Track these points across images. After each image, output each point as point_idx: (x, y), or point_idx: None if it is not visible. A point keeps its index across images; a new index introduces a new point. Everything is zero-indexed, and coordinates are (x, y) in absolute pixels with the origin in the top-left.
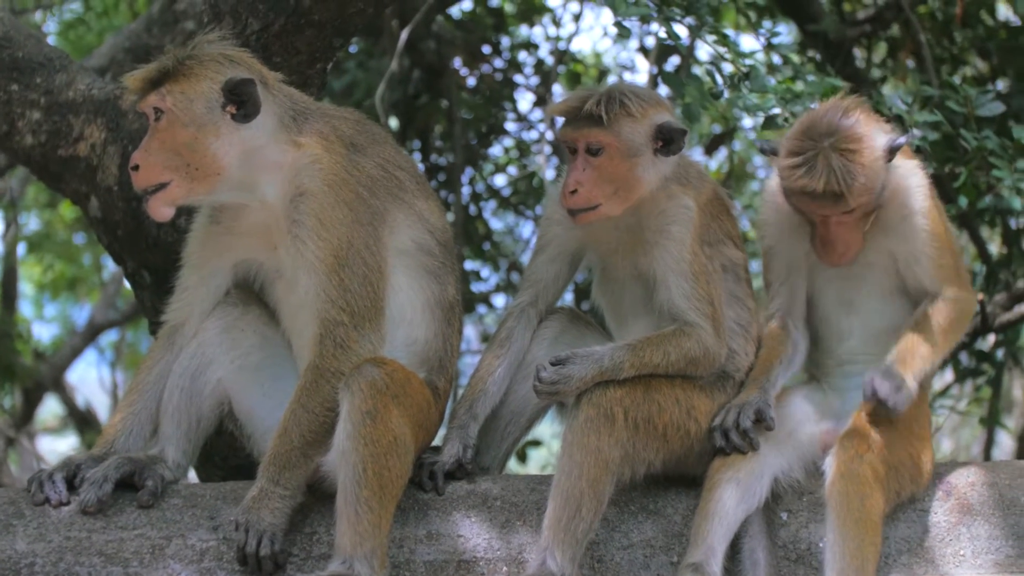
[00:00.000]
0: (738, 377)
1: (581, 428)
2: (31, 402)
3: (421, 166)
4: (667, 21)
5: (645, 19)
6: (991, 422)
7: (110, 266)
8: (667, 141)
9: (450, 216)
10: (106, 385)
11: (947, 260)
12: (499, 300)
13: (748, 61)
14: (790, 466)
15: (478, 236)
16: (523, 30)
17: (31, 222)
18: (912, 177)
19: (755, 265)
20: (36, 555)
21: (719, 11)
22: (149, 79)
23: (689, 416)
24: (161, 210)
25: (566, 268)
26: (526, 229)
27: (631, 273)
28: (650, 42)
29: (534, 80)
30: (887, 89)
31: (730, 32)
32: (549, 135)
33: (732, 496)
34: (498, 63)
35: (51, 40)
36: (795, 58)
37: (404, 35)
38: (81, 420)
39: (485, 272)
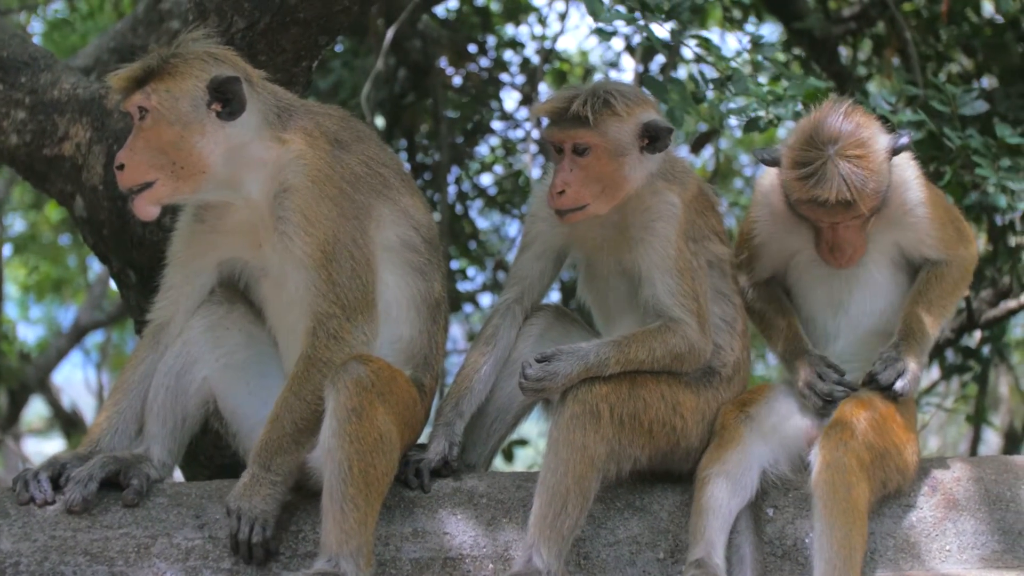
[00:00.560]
0: (724, 373)
1: (567, 425)
2: (17, 403)
3: (407, 165)
4: (647, 27)
5: (629, 21)
6: (977, 419)
7: (96, 267)
8: (653, 139)
9: (436, 215)
10: (92, 386)
11: (948, 231)
12: (485, 299)
13: (732, 63)
14: (776, 459)
15: (464, 235)
16: (509, 29)
17: (16, 223)
18: (907, 170)
19: None
20: (21, 554)
21: (704, 10)
22: (134, 78)
23: (675, 412)
24: (147, 209)
25: (551, 265)
26: (512, 228)
27: (616, 270)
28: (637, 39)
29: (520, 79)
30: (873, 87)
31: (716, 31)
32: (535, 134)
33: (724, 490)
34: (484, 62)
35: (36, 41)
36: (781, 56)
37: (390, 34)
38: (67, 421)
39: (471, 271)
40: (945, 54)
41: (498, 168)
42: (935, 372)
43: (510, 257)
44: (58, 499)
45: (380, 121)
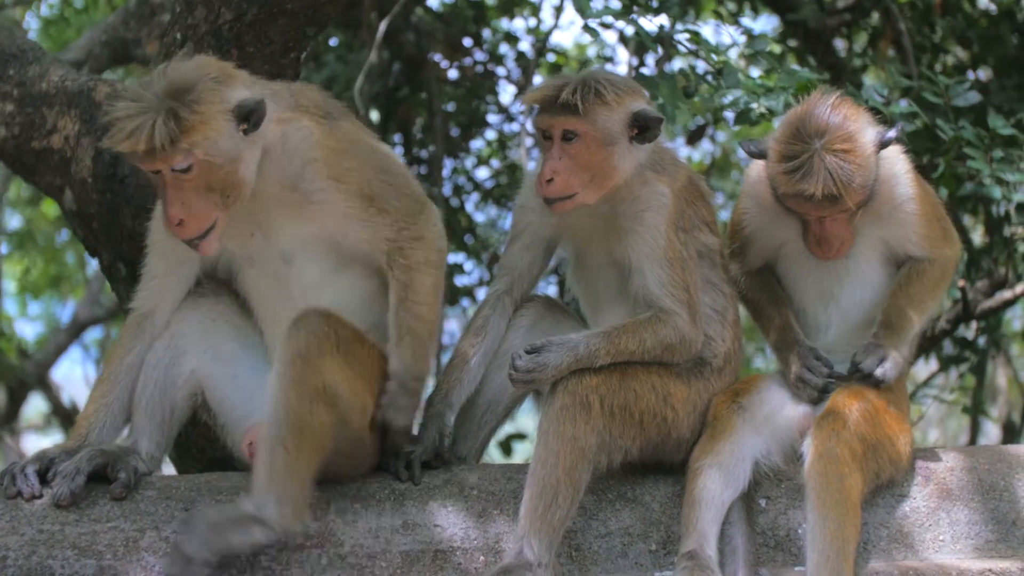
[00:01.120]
0: (715, 363)
1: (557, 416)
2: (16, 400)
3: (403, 159)
4: (635, 22)
5: (618, 16)
6: (975, 411)
7: (94, 263)
8: (642, 129)
9: None
10: (91, 382)
11: (935, 229)
12: (482, 293)
13: (724, 56)
14: (769, 450)
15: (460, 229)
16: (503, 22)
17: (14, 219)
18: (897, 164)
19: None
20: (8, 549)
21: (699, 2)
22: (163, 142)
23: (666, 403)
24: (215, 246)
25: (541, 256)
26: (508, 222)
27: (606, 260)
28: (631, 31)
29: (516, 73)
30: (868, 78)
31: (710, 23)
32: (530, 127)
33: (716, 481)
34: (479, 55)
35: (31, 36)
36: (776, 48)
37: (382, 27)
38: (66, 418)
39: (468, 266)
40: (940, 45)
41: (494, 162)
42: (933, 364)
43: None
44: (46, 493)
45: (375, 115)
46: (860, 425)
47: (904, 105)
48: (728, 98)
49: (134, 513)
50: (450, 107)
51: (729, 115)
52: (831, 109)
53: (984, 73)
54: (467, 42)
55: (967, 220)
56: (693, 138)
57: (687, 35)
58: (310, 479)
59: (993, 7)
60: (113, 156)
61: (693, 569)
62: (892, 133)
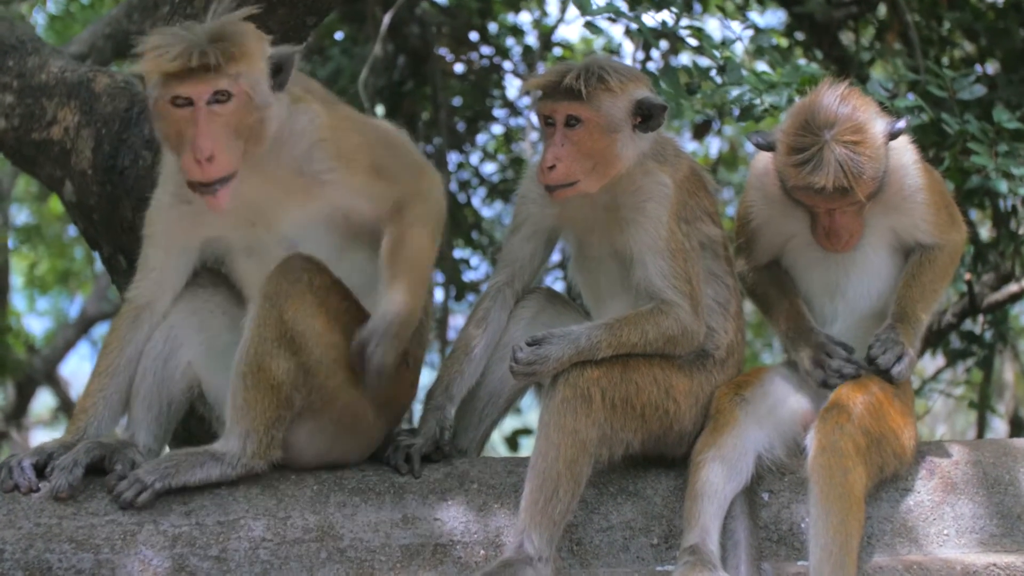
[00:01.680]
0: (717, 355)
1: (558, 409)
2: (24, 395)
3: None
4: (638, 19)
5: (616, 14)
6: (982, 405)
7: None
8: (646, 117)
9: None
10: None
11: (943, 216)
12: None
13: (728, 51)
14: (772, 443)
15: (467, 224)
16: (509, 16)
17: (22, 214)
18: (905, 154)
19: None
20: (5, 542)
21: None
22: (216, 59)
23: (667, 395)
24: (226, 201)
25: (542, 247)
26: None
27: (608, 251)
28: (634, 26)
29: (522, 67)
30: (875, 72)
31: (718, 17)
32: (535, 120)
33: (719, 474)
34: (485, 49)
35: (38, 32)
36: (782, 41)
37: (386, 20)
38: (74, 414)
39: (475, 260)
40: (947, 38)
41: (500, 156)
42: (940, 359)
43: None
44: (43, 487)
45: (380, 109)
46: (864, 418)
47: (911, 99)
48: (732, 94)
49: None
50: (456, 101)
51: (734, 110)
52: (840, 100)
53: (992, 66)
54: (473, 36)
55: (974, 214)
56: (699, 132)
57: (690, 31)
58: (274, 418)
59: (1000, 0)
60: (113, 146)
61: (695, 563)
62: (902, 124)
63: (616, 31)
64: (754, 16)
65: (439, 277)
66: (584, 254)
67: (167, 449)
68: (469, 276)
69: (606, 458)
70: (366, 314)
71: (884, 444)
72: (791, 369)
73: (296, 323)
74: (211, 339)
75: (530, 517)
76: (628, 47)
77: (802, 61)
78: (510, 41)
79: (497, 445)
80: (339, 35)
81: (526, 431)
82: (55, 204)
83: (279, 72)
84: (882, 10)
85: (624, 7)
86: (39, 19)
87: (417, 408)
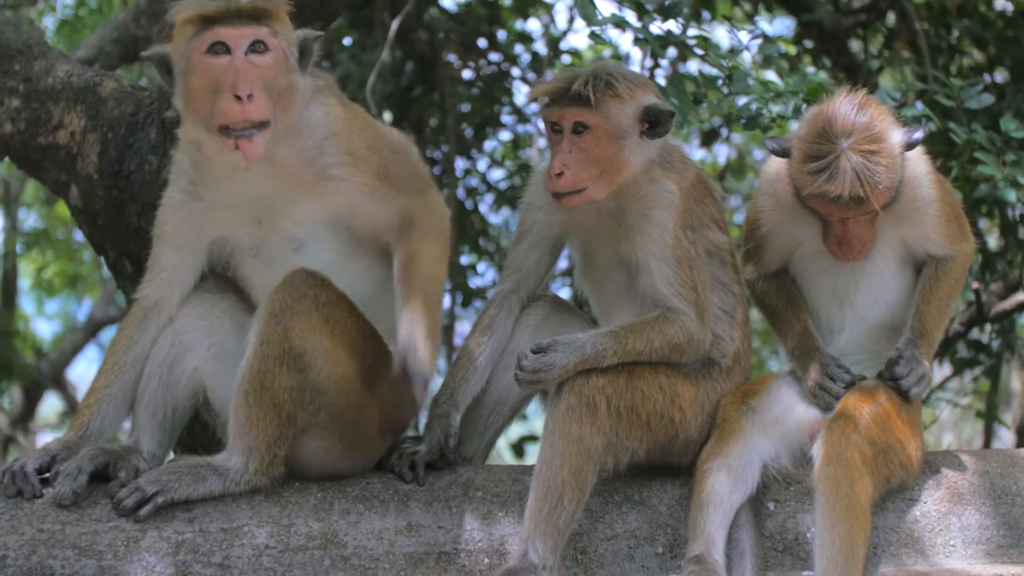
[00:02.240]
0: (723, 363)
1: (563, 417)
2: (32, 399)
3: None
4: (644, 30)
5: (624, 25)
6: (989, 415)
7: None
8: (653, 123)
9: None
10: None
11: (953, 227)
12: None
13: (730, 62)
14: (778, 453)
15: (474, 230)
16: (518, 23)
17: (31, 218)
18: (919, 166)
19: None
20: (8, 548)
21: (713, 3)
22: (249, 11)
23: (673, 404)
24: (260, 149)
25: (548, 254)
26: None
27: (613, 259)
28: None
29: (530, 74)
30: (884, 79)
31: (726, 25)
32: (543, 127)
33: (725, 483)
34: (493, 56)
35: (47, 38)
36: (791, 49)
37: (394, 26)
38: None
39: (481, 267)
40: (956, 47)
41: (508, 163)
42: (947, 368)
43: None
44: (47, 492)
45: (388, 115)
46: (871, 429)
47: (919, 107)
48: (739, 102)
49: None
50: (464, 108)
51: (741, 119)
52: (858, 109)
53: (1000, 75)
54: (481, 42)
55: (982, 223)
56: (707, 140)
57: (696, 41)
58: (276, 436)
59: (1010, 8)
60: (119, 151)
61: (700, 573)
62: (919, 134)
63: (625, 40)
64: (763, 24)
65: (445, 283)
66: (590, 261)
67: (171, 455)
68: (476, 282)
69: (611, 466)
70: (372, 328)
71: (891, 455)
72: (797, 378)
73: (303, 340)
74: (217, 345)
75: (535, 525)
76: (636, 55)
77: (810, 69)
78: (518, 48)
79: (503, 452)
80: (347, 41)
81: (532, 438)
82: (63, 208)
83: (303, 55)
84: (891, 18)
85: (630, 17)
86: (48, 24)
87: (422, 415)
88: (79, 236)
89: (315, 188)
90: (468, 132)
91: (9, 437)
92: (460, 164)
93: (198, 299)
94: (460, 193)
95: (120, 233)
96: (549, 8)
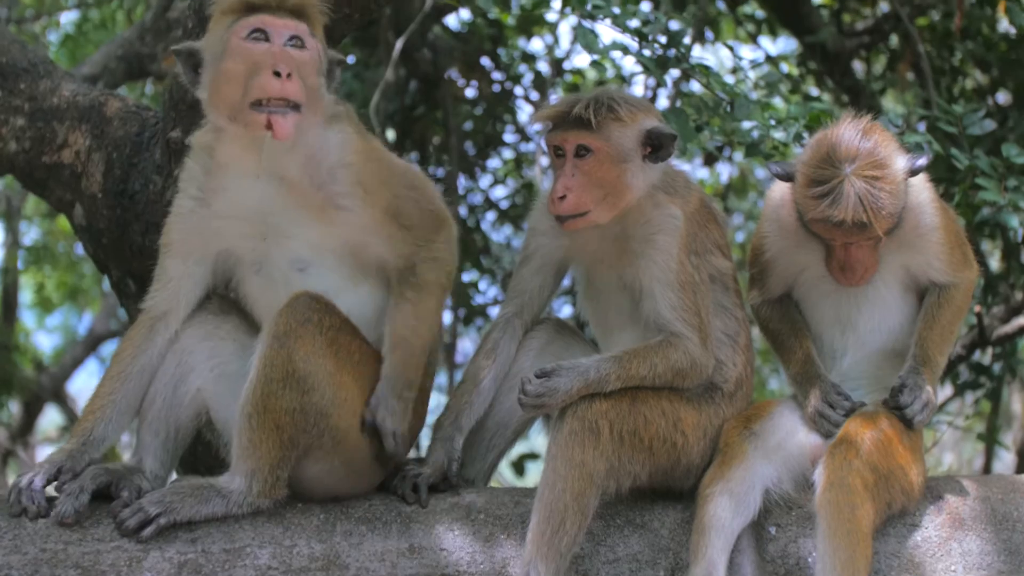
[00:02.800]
0: (726, 388)
1: (565, 441)
2: (31, 412)
3: None
4: (645, 57)
5: (625, 52)
6: (990, 437)
7: None
8: (656, 147)
9: None
10: None
11: (956, 255)
12: (496, 313)
13: (736, 88)
14: (780, 478)
15: (475, 248)
16: (521, 42)
17: (32, 232)
18: (923, 192)
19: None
20: (11, 567)
21: (717, 23)
22: (295, 8)
23: (676, 428)
24: (291, 130)
25: (551, 279)
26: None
27: (617, 283)
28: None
29: (533, 93)
30: (887, 101)
31: (729, 42)
32: (545, 150)
33: (727, 508)
34: (496, 75)
35: (51, 52)
36: (794, 71)
37: (399, 45)
38: None
39: (483, 284)
40: (959, 69)
41: (510, 181)
42: (948, 389)
43: None
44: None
45: (391, 134)
46: (872, 455)
47: (921, 128)
48: (742, 127)
49: None
50: (467, 126)
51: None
52: (862, 134)
53: (1004, 97)
54: (485, 61)
55: (984, 245)
56: (710, 159)
57: (698, 69)
58: (279, 459)
59: (1013, 31)
60: (124, 171)
61: None
62: (923, 160)
63: (628, 60)
64: (766, 44)
65: (447, 301)
66: (593, 286)
67: (173, 475)
68: (478, 300)
69: (613, 490)
70: (375, 351)
71: (892, 481)
72: (800, 403)
73: (307, 364)
74: (220, 366)
75: (536, 548)
76: (639, 70)
77: (813, 91)
78: (522, 67)
79: (503, 470)
80: (351, 59)
81: (532, 456)
82: (63, 221)
83: (328, 73)
84: (894, 40)
85: (631, 43)
86: (52, 38)
87: (424, 436)
88: (80, 250)
89: (323, 214)
90: (471, 150)
91: (9, 451)
92: (463, 182)
93: (202, 320)
94: (462, 211)
95: (124, 252)
96: (553, 27)
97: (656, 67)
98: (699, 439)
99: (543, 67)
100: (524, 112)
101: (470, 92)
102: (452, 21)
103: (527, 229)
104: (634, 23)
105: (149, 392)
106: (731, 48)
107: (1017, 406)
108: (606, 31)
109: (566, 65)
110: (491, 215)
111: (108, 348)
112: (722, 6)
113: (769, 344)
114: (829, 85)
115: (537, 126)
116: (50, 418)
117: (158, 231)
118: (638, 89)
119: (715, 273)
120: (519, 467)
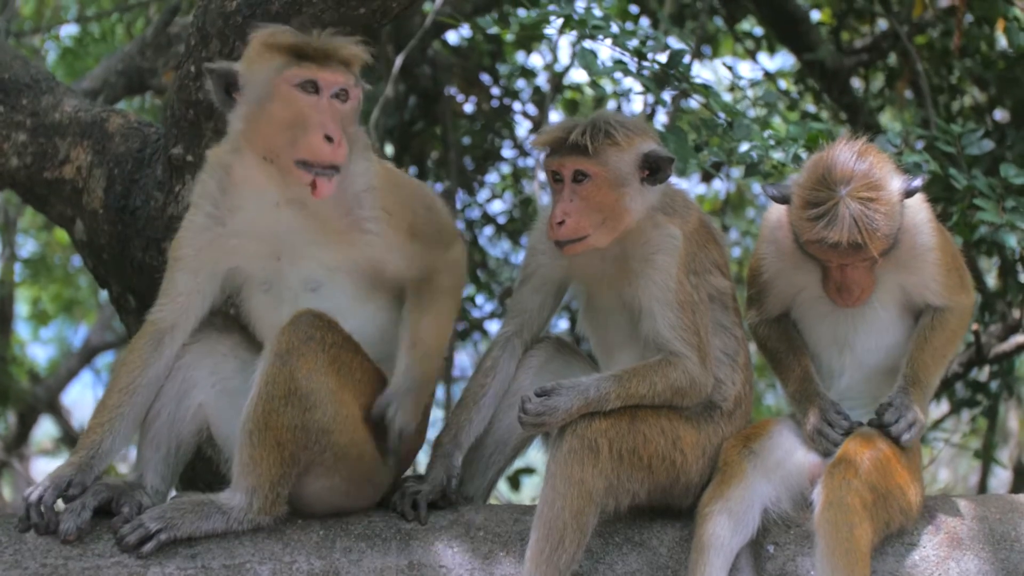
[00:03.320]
0: (725, 407)
1: (565, 459)
2: (26, 424)
3: None
4: (642, 76)
5: (625, 72)
6: (986, 455)
7: None
8: (653, 170)
9: None
10: None
11: (953, 278)
12: (494, 327)
13: (735, 109)
14: (779, 497)
15: (473, 263)
16: (519, 57)
17: (28, 244)
18: (920, 213)
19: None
20: None
21: (716, 40)
22: (346, 57)
23: (675, 447)
24: (333, 191)
25: (551, 298)
26: (521, 257)
27: (616, 303)
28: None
29: (531, 108)
30: (885, 118)
31: (727, 59)
32: (544, 175)
33: (726, 527)
34: (495, 90)
35: (49, 65)
36: (792, 87)
37: (398, 61)
38: (76, 443)
39: (480, 299)
40: (957, 87)
41: (508, 196)
42: (944, 406)
43: None
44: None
45: (390, 149)
46: (871, 474)
47: (919, 146)
48: (740, 148)
49: None
50: (465, 141)
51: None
52: (857, 156)
53: (1001, 115)
54: (484, 77)
55: (982, 262)
56: (707, 177)
57: (696, 90)
58: (280, 476)
59: (1011, 49)
60: (125, 187)
61: None
62: (918, 182)
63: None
64: (764, 61)
65: (448, 339)
66: (593, 305)
67: (173, 491)
68: (475, 314)
69: (612, 508)
70: (377, 369)
71: (890, 500)
72: (798, 422)
73: (309, 381)
74: (222, 382)
75: (535, 566)
76: (638, 88)
77: (811, 108)
78: (520, 82)
79: (499, 484)
80: None
81: (529, 470)
82: (61, 233)
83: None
84: (893, 58)
85: (631, 62)
86: (51, 51)
87: (424, 453)
88: (77, 261)
89: (346, 237)
90: (469, 165)
91: (3, 462)
92: (461, 197)
93: (204, 336)
94: (460, 225)
95: (124, 268)
96: (552, 44)
97: (655, 86)
98: (698, 457)
99: (542, 82)
100: (522, 127)
101: (469, 107)
102: (452, 37)
103: (527, 248)
104: (633, 43)
105: (153, 406)
106: (730, 68)
107: (1013, 424)
108: (606, 50)
109: (565, 80)
110: (489, 230)
111: (103, 360)
112: (720, 23)
113: (768, 363)
114: (827, 102)
115: (536, 152)
116: (45, 429)
117: (159, 247)
118: (637, 106)
119: (714, 292)
120: (515, 482)
